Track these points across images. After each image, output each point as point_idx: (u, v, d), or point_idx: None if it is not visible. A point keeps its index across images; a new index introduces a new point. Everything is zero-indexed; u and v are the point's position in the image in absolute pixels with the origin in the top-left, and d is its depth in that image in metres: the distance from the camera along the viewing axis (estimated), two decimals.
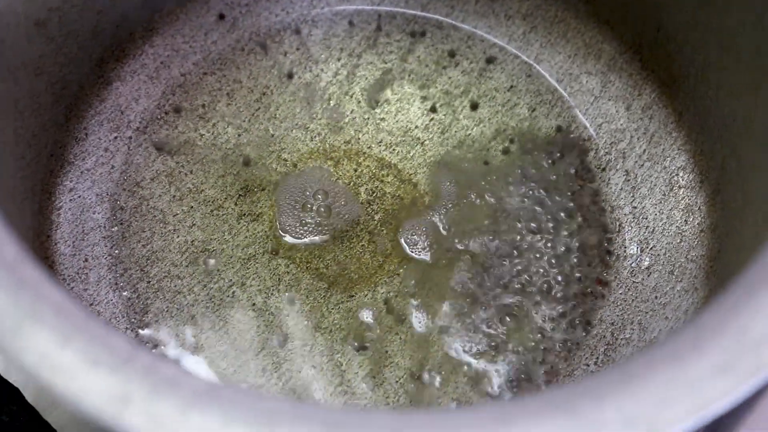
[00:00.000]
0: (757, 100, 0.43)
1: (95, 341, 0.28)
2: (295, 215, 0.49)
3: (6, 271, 0.29)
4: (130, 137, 0.50)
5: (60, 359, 0.28)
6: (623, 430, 0.28)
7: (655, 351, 0.30)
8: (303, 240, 0.49)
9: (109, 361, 0.28)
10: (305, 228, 0.49)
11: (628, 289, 0.48)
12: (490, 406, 0.29)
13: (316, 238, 0.49)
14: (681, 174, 0.50)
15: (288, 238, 0.49)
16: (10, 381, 0.41)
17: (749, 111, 0.44)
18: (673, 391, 0.29)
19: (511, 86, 0.53)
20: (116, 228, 0.48)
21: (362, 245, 0.49)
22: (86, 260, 0.47)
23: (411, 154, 0.51)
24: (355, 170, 0.51)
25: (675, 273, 0.48)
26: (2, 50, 0.40)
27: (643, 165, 0.50)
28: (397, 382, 0.46)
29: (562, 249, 0.49)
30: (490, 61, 0.53)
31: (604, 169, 0.51)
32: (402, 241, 0.49)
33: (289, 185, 0.50)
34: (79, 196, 0.48)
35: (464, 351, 0.47)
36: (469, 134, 0.52)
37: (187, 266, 0.48)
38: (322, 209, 0.50)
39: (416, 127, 0.52)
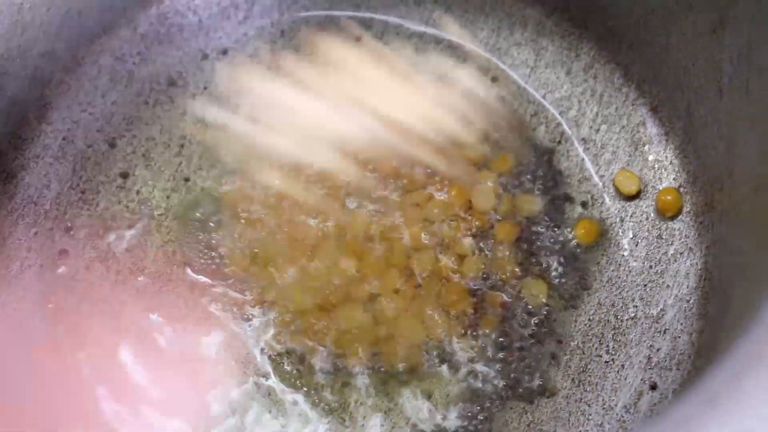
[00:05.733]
0: (722, 39, 0.41)
1: None
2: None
3: None
4: (51, 228, 0.45)
5: None
6: None
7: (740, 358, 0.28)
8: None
9: None
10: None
11: (619, 265, 0.45)
12: None
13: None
14: (642, 130, 0.47)
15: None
16: None
17: (713, 52, 0.41)
18: None
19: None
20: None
21: None
22: None
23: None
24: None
25: (663, 236, 0.45)
26: None
27: (599, 129, 0.47)
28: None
29: (536, 235, 0.46)
30: (412, 51, 0.49)
31: (559, 142, 0.48)
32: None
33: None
34: (14, 309, 0.44)
35: (468, 361, 0.43)
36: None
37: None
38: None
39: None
